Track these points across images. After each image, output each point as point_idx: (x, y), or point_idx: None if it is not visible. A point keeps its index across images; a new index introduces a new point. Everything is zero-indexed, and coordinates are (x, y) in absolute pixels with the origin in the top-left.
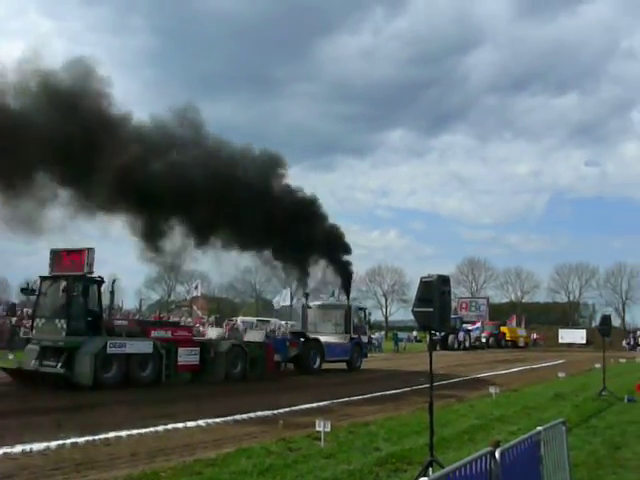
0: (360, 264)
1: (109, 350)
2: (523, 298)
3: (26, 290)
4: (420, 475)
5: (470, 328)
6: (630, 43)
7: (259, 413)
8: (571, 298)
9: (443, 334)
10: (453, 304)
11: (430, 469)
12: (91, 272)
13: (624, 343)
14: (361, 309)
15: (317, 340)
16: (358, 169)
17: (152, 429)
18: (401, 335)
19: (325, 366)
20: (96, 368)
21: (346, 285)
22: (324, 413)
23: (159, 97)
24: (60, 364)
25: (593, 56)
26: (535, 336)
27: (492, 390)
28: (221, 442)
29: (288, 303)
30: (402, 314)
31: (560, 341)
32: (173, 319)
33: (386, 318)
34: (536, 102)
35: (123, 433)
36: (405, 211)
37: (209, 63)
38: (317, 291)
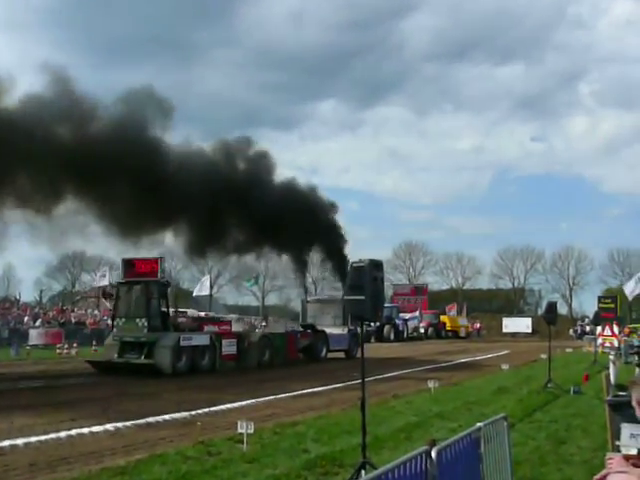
0: None
1: (182, 343)
2: (464, 285)
3: (106, 294)
4: (352, 478)
5: (407, 317)
6: (577, 10)
7: (175, 415)
8: (516, 284)
9: (377, 324)
10: (389, 292)
11: (362, 471)
12: (163, 277)
13: (571, 331)
14: None
15: (324, 332)
16: (285, 143)
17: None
18: None
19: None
20: (173, 358)
21: (344, 279)
22: (247, 413)
23: (68, 59)
24: (143, 356)
25: (538, 23)
26: (477, 325)
27: (431, 384)
28: (132, 448)
29: (207, 292)
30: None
31: (504, 330)
32: (78, 311)
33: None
34: (478, 72)
35: (20, 441)
36: (337, 190)
37: (121, 24)
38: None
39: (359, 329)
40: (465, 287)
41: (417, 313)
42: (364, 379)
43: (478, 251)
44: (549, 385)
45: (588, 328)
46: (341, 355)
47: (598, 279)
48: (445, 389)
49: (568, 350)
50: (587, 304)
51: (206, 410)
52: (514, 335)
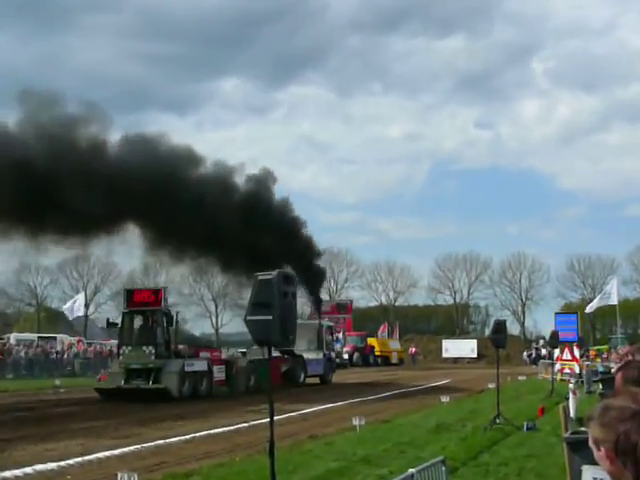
0: None
1: (186, 369)
2: (397, 301)
3: (111, 324)
4: None
5: None
6: None
7: (39, 467)
8: (458, 299)
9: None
10: (304, 310)
11: None
12: (166, 306)
13: (524, 355)
14: (329, 327)
15: (302, 357)
16: (178, 129)
17: None
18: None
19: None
20: (179, 383)
21: (318, 302)
22: (130, 462)
23: None
24: (151, 381)
25: None
26: (413, 350)
27: (356, 422)
28: None
29: (82, 313)
30: (238, 325)
31: (444, 355)
32: None
33: (217, 331)
34: (413, 45)
35: None
36: None
37: None
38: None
39: (332, 354)
40: (397, 303)
41: (339, 335)
42: (273, 418)
43: (413, 260)
44: (498, 420)
45: (544, 351)
46: (316, 380)
47: (555, 292)
48: (373, 427)
49: (520, 378)
50: (543, 322)
51: (79, 459)
52: (456, 361)
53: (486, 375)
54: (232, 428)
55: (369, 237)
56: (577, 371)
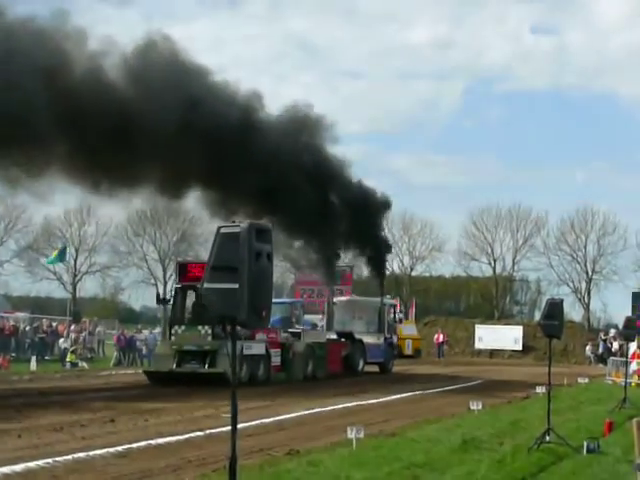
0: None
1: (244, 352)
2: (414, 269)
3: (161, 300)
4: None
5: (319, 322)
6: None
7: None
8: (499, 270)
9: None
10: (289, 280)
11: None
12: None
13: (588, 350)
14: (392, 306)
15: (361, 341)
16: (119, 23)
17: None
18: None
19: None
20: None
21: (381, 275)
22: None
23: None
24: (207, 365)
25: None
26: (440, 337)
27: (352, 434)
28: None
29: None
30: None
31: (477, 345)
32: None
33: (163, 301)
34: None
35: None
36: None
37: None
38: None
39: (394, 338)
40: (415, 273)
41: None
42: (235, 426)
43: (439, 213)
44: (548, 438)
45: (616, 344)
46: (375, 369)
47: (636, 264)
48: (376, 442)
49: (582, 380)
50: (616, 305)
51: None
52: (493, 354)
53: (534, 375)
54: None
55: (379, 180)
56: None
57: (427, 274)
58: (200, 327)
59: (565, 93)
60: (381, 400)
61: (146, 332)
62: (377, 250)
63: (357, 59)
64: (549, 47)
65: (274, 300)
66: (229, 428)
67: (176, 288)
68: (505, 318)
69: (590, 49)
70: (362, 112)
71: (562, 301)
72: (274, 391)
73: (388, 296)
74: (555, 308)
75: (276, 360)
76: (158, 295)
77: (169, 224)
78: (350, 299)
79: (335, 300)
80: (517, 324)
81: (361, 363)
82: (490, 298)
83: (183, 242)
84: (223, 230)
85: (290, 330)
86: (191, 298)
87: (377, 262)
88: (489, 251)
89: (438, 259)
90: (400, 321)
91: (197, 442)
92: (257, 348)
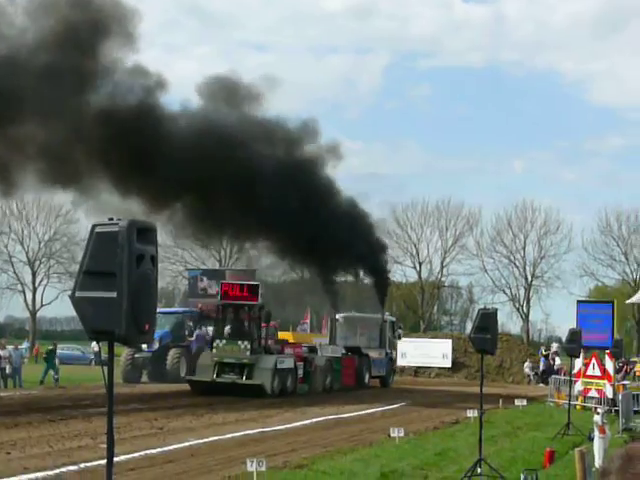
0: None
1: (278, 365)
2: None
3: (204, 317)
4: None
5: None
6: None
7: None
8: (425, 275)
9: (148, 348)
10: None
11: None
12: (262, 301)
13: (527, 367)
14: (392, 322)
15: (367, 356)
16: None
17: None
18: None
19: None
20: (272, 380)
21: (382, 293)
22: None
23: None
24: (244, 377)
25: None
26: None
27: (252, 466)
28: None
29: None
30: (66, 306)
31: (400, 362)
32: None
33: (33, 314)
34: None
35: None
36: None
37: None
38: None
39: (394, 353)
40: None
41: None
42: (111, 460)
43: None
44: (480, 470)
45: (558, 361)
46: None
47: (580, 268)
48: (281, 476)
49: (519, 403)
50: (558, 315)
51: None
52: (418, 371)
53: (465, 396)
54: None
55: None
56: (609, 394)
57: (342, 279)
58: (240, 341)
59: (502, 70)
60: (287, 426)
61: (10, 348)
62: (379, 271)
63: (263, 29)
64: (483, 17)
65: (161, 310)
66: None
67: (218, 305)
68: (432, 330)
69: (530, 20)
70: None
71: (496, 311)
72: (297, 401)
73: (387, 312)
74: (488, 319)
75: (300, 373)
76: (201, 311)
77: (39, 220)
78: (352, 315)
79: (337, 316)
80: (446, 337)
81: (367, 376)
82: (415, 307)
83: (55, 241)
84: (99, 229)
85: (306, 345)
86: (233, 315)
87: (380, 282)
88: (414, 253)
89: None
90: (399, 337)
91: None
92: (288, 362)
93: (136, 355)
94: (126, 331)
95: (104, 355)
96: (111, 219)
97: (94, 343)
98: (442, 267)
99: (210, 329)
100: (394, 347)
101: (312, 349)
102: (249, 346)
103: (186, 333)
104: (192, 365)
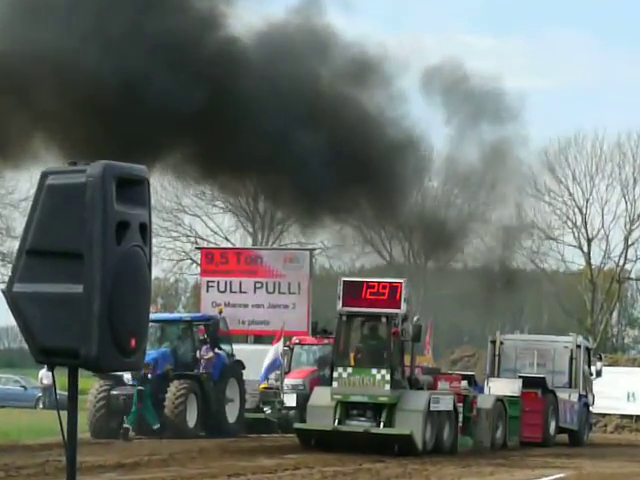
0: None
1: (431, 407)
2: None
3: (320, 332)
4: None
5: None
6: None
7: None
8: (596, 258)
9: (134, 378)
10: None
11: None
12: (407, 309)
13: None
14: (587, 348)
15: (555, 395)
16: None
17: None
18: None
19: None
20: (424, 429)
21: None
22: None
23: None
24: (382, 423)
25: None
26: None
27: None
28: None
29: None
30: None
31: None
32: None
33: None
34: None
35: None
36: None
37: None
38: None
39: (589, 397)
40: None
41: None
42: None
43: None
44: None
45: None
46: (563, 439)
47: None
48: None
49: None
50: None
51: None
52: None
53: None
54: None
55: None
56: None
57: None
58: (375, 370)
59: None
60: None
61: None
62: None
63: None
64: None
65: (157, 316)
66: None
67: (341, 315)
68: (609, 352)
69: None
70: None
71: None
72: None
73: (580, 336)
74: None
75: (459, 419)
76: (315, 325)
77: None
78: (522, 338)
79: (502, 338)
80: (633, 365)
81: (553, 426)
82: (580, 312)
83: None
84: (53, 180)
85: (460, 373)
86: (364, 330)
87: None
88: (578, 222)
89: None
90: (598, 374)
91: None
92: (446, 402)
93: (113, 391)
94: (98, 350)
95: (60, 392)
96: (73, 163)
97: (43, 371)
98: (626, 247)
99: (240, 347)
100: (590, 388)
101: (469, 381)
102: (388, 377)
103: (197, 354)
104: (209, 408)
